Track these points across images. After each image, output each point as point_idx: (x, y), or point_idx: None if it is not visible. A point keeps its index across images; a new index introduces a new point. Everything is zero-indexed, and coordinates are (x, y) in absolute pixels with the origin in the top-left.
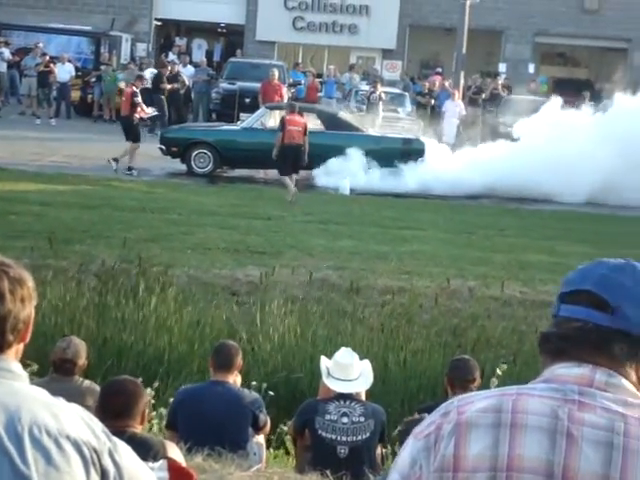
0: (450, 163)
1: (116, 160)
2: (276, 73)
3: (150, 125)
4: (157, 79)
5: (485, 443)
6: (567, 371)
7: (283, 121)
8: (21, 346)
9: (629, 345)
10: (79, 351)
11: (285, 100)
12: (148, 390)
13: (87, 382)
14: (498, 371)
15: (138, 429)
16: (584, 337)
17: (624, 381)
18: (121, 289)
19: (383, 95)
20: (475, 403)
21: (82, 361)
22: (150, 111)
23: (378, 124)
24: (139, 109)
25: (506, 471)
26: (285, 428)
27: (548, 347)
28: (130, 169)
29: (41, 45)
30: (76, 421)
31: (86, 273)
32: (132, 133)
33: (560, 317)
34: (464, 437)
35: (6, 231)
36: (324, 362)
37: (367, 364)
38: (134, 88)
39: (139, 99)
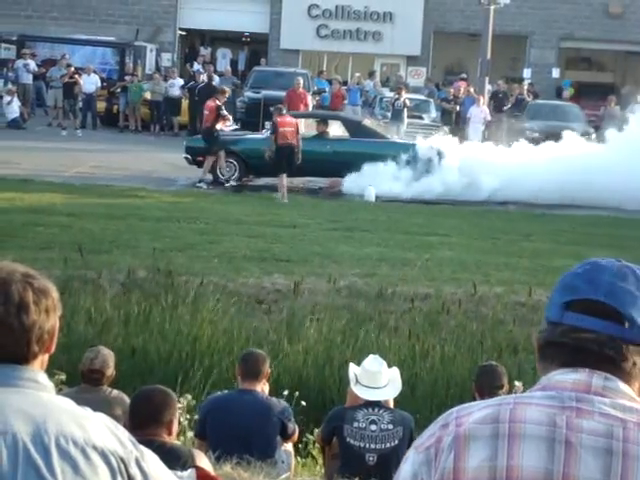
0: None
1: (202, 180)
2: (301, 81)
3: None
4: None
5: (484, 455)
6: (564, 377)
7: (275, 123)
8: (46, 357)
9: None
10: (107, 361)
11: (310, 108)
12: (181, 400)
13: (115, 392)
14: (517, 383)
15: (167, 438)
16: (601, 350)
17: (621, 385)
18: (149, 299)
19: (408, 102)
20: (473, 414)
21: (110, 371)
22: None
23: (403, 131)
24: (222, 122)
25: None
26: (311, 437)
27: (557, 355)
28: (201, 181)
29: (67, 56)
30: (103, 430)
31: (114, 283)
32: (215, 144)
33: (566, 326)
34: (463, 450)
35: (34, 242)
36: (352, 369)
37: (395, 371)
38: (217, 102)
39: (224, 112)
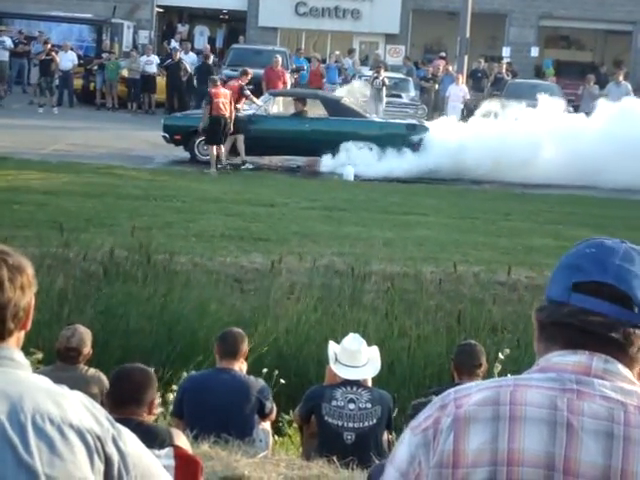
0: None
1: (244, 162)
2: (279, 59)
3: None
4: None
5: (484, 437)
6: (563, 359)
7: (210, 95)
8: (22, 334)
9: None
10: (84, 339)
11: (289, 87)
12: None
13: (92, 370)
14: (501, 355)
15: (146, 418)
16: (608, 334)
17: (621, 367)
18: (126, 277)
19: (386, 80)
20: (472, 395)
21: (87, 349)
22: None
23: (382, 110)
24: (243, 101)
25: (506, 465)
26: (287, 417)
27: (561, 336)
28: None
29: (43, 34)
30: (79, 409)
31: (91, 261)
32: (235, 126)
33: (573, 307)
34: (463, 432)
35: (10, 220)
36: (332, 347)
37: (375, 350)
38: (241, 82)
39: (248, 91)
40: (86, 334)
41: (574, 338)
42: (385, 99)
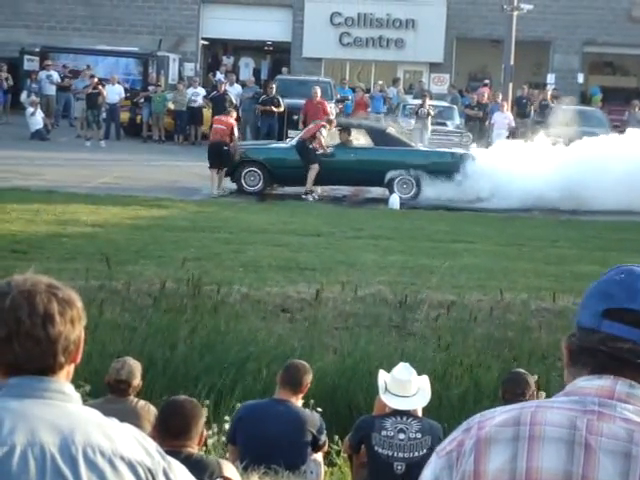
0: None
1: (310, 192)
2: (318, 91)
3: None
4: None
5: (504, 457)
6: (588, 383)
7: (211, 121)
8: (72, 367)
9: None
10: (133, 372)
11: (332, 116)
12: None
13: (142, 402)
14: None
15: (195, 449)
16: (637, 360)
17: None
18: (174, 308)
19: (431, 109)
20: (495, 418)
21: (137, 381)
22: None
23: (427, 138)
24: (318, 142)
25: None
26: (336, 447)
27: (591, 362)
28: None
29: (90, 67)
30: (130, 441)
31: (139, 293)
32: (311, 156)
33: (603, 333)
34: (484, 453)
35: (59, 253)
36: (382, 376)
37: (425, 380)
38: (322, 124)
39: (324, 135)
40: (135, 366)
41: (602, 364)
42: (430, 127)
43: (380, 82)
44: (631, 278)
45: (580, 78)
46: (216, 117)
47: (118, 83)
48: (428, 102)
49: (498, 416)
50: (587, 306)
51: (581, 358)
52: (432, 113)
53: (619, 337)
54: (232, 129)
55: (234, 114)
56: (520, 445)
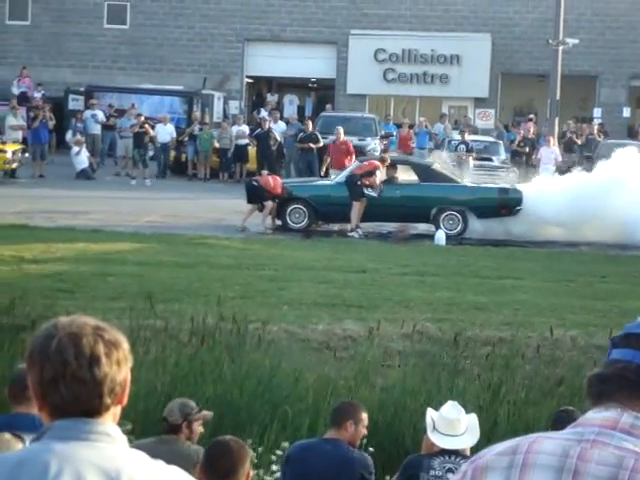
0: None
1: (357, 227)
2: (341, 131)
3: None
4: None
5: None
6: (595, 415)
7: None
8: (118, 409)
9: None
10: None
11: (353, 159)
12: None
13: (193, 445)
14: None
15: None
16: (623, 378)
17: None
18: (220, 347)
19: (472, 143)
20: (497, 447)
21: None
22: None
23: (468, 174)
24: (369, 180)
25: None
26: None
27: (589, 391)
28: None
29: (135, 106)
30: None
31: (185, 332)
32: (357, 192)
33: (608, 361)
34: None
35: (105, 292)
36: (430, 415)
37: (473, 418)
38: (380, 165)
39: (377, 177)
40: (190, 405)
41: (608, 389)
42: (472, 162)
43: (421, 119)
44: None
45: (626, 112)
46: None
47: (170, 123)
48: (468, 136)
49: (500, 446)
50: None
51: (591, 390)
52: (472, 147)
53: (616, 360)
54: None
55: None
56: (512, 473)
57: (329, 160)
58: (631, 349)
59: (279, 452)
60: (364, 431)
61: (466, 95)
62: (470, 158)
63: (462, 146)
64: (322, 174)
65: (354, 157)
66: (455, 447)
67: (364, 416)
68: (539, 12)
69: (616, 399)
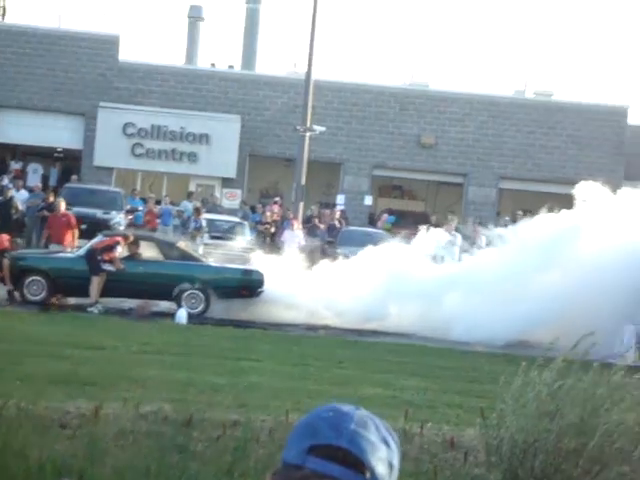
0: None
1: (97, 302)
2: (62, 204)
3: None
4: None
5: None
6: None
7: None
8: None
9: None
10: None
11: (76, 232)
12: None
13: None
14: None
15: None
16: None
17: None
18: None
19: (204, 223)
20: None
21: None
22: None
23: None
24: (108, 256)
25: None
26: None
27: None
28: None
29: None
30: None
31: None
32: (97, 267)
33: (308, 470)
34: None
35: None
36: None
37: None
38: (122, 242)
39: (117, 254)
40: None
41: None
42: (201, 241)
43: (167, 197)
44: (336, 415)
45: (369, 200)
46: None
47: None
48: (201, 216)
49: None
50: (293, 442)
51: None
52: (204, 226)
53: (322, 474)
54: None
55: None
56: None
57: (46, 233)
58: (337, 464)
59: None
60: None
61: (214, 174)
62: (199, 237)
63: (193, 224)
64: (43, 246)
65: (76, 231)
66: None
67: None
68: (288, 97)
69: None
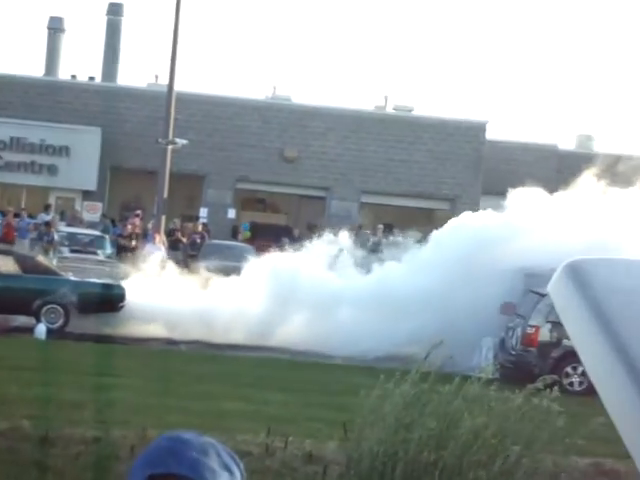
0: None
1: None
2: None
3: None
4: None
5: None
6: None
7: None
8: None
9: None
10: None
11: None
12: None
13: None
14: None
15: None
16: None
17: None
18: None
19: (56, 236)
20: None
21: None
22: None
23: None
24: None
25: None
26: None
27: None
28: None
29: None
30: None
31: None
32: None
33: None
34: None
35: None
36: None
37: None
38: None
39: None
40: None
41: None
42: (57, 255)
43: (23, 210)
44: (178, 443)
45: (231, 213)
46: None
47: None
48: (53, 229)
49: None
50: (135, 473)
51: None
52: (56, 239)
53: None
54: None
55: None
56: None
57: None
58: None
59: None
60: None
61: (74, 187)
62: (51, 250)
63: (45, 237)
64: None
65: None
66: None
67: None
68: (150, 109)
69: None
